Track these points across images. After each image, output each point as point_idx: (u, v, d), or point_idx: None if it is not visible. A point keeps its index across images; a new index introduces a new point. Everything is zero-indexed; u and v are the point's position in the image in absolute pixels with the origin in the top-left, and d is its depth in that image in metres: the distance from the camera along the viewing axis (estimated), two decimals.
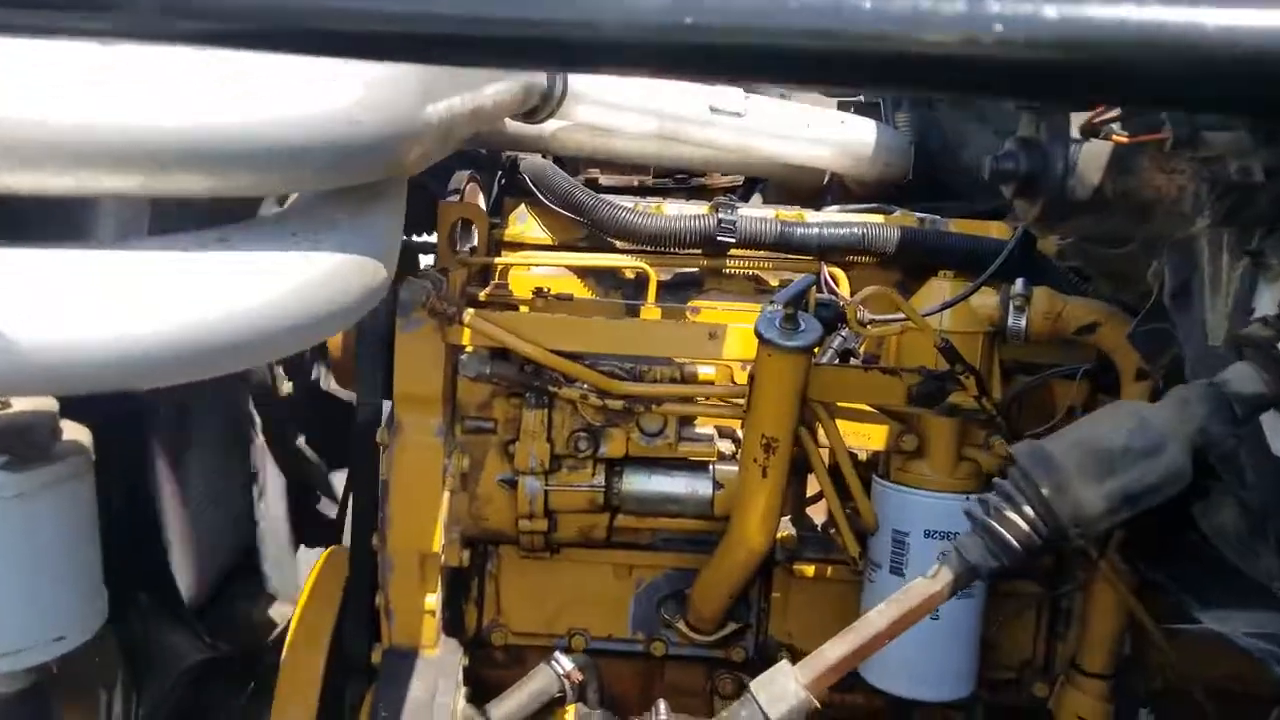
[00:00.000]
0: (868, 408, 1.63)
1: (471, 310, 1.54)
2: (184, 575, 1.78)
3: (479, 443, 1.67)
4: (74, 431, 1.31)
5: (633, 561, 1.77)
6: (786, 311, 1.38)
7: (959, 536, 1.20)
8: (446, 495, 1.64)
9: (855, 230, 1.72)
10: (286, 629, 1.88)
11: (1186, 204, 1.16)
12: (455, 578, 1.78)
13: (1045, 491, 1.17)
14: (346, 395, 2.35)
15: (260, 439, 1.96)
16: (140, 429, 1.50)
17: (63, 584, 1.24)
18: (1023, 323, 1.62)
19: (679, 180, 1.90)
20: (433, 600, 1.68)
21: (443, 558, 1.65)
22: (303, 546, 2.32)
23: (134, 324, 0.81)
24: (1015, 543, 1.18)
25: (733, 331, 1.56)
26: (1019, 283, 1.62)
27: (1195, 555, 1.67)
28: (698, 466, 1.67)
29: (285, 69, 0.83)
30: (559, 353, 1.56)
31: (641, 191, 1.85)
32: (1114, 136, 1.12)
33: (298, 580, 2.19)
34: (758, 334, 1.41)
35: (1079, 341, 1.66)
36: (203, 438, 1.80)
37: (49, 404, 1.27)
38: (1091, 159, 1.14)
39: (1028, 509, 1.18)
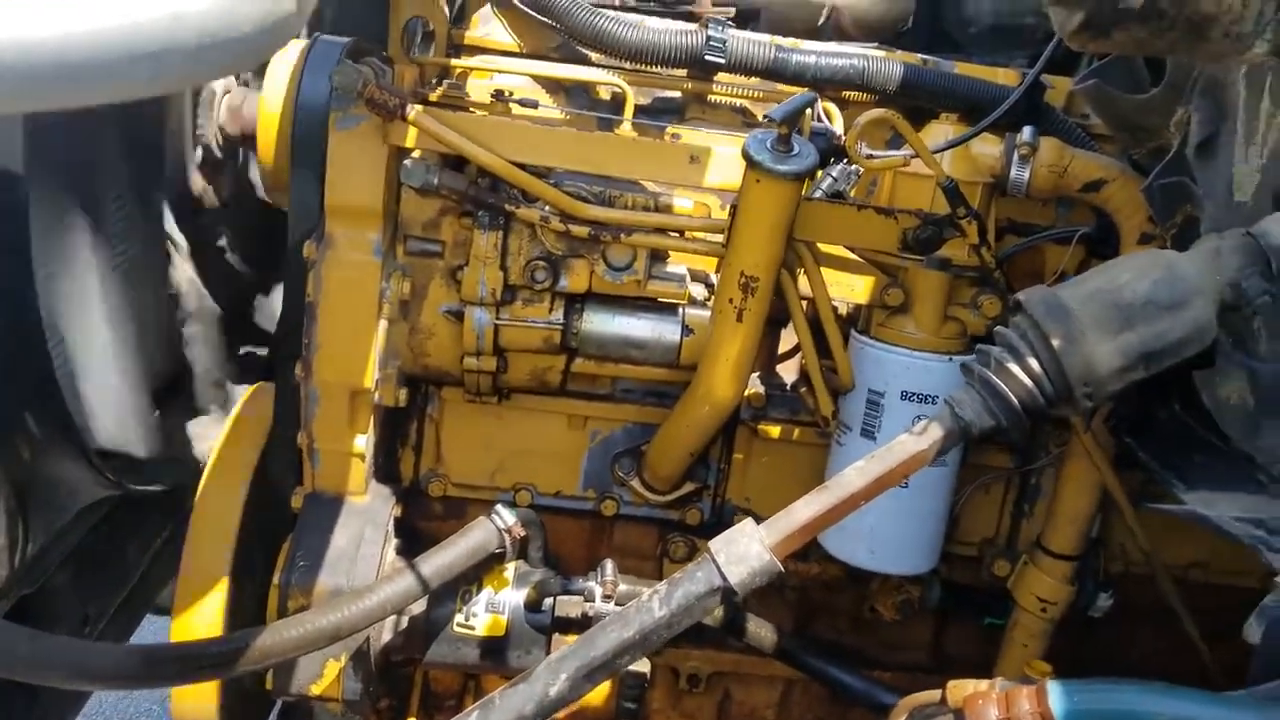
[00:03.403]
0: (852, 256, 1.49)
1: (419, 106, 1.34)
2: (88, 402, 1.59)
3: (423, 266, 1.50)
4: None
5: (588, 412, 1.63)
6: (780, 132, 1.21)
7: (954, 392, 1.08)
8: (383, 324, 1.48)
9: (856, 62, 1.54)
10: None
11: (1248, 23, 1.01)
12: (390, 419, 1.63)
13: (1056, 343, 1.04)
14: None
15: (182, 255, 1.75)
16: (18, 219, 1.29)
17: None
18: (1026, 174, 1.48)
19: (666, 2, 1.70)
20: (362, 442, 1.53)
21: (376, 395, 1.50)
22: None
23: None
24: (1016, 400, 1.06)
25: (716, 156, 1.39)
26: (1026, 131, 1.48)
27: (1177, 432, 1.59)
28: (666, 309, 1.52)
29: None
30: (519, 166, 1.38)
31: (624, 9, 1.65)
32: None
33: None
34: (746, 156, 1.25)
35: (1079, 200, 1.53)
36: (106, 240, 1.58)
37: None
38: None
39: (1033, 362, 1.06)
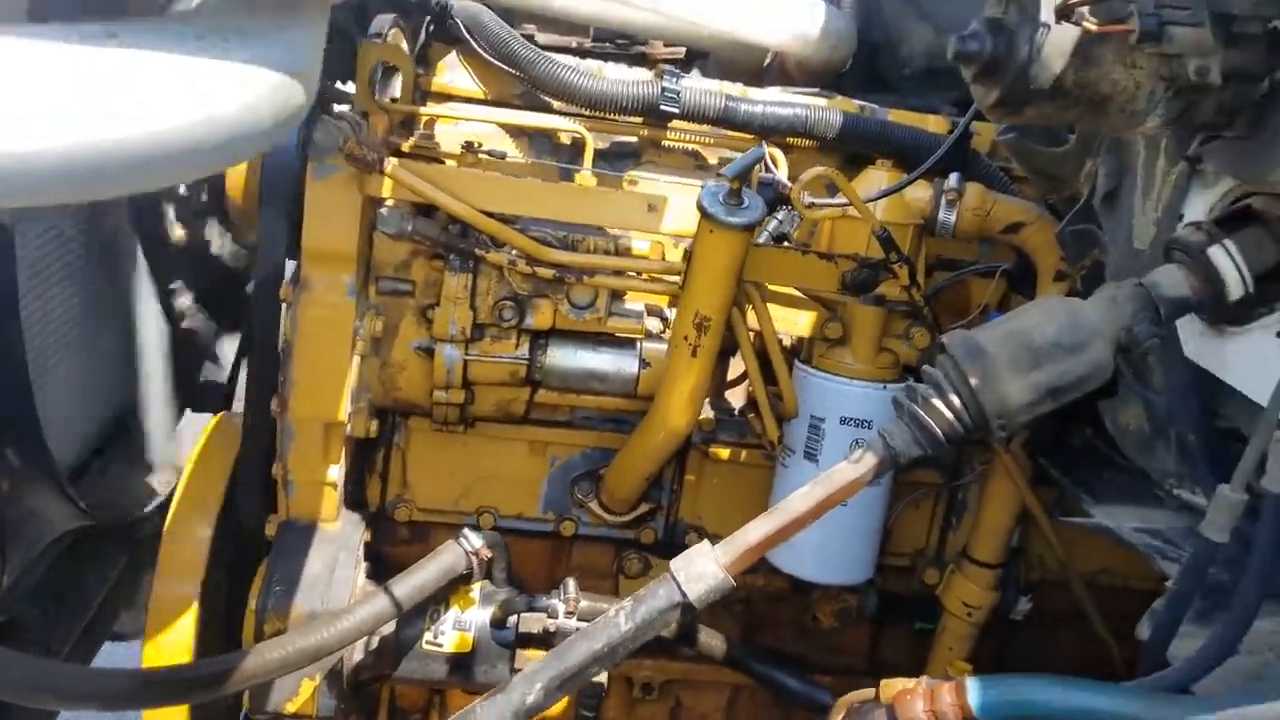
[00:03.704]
0: (797, 293, 1.62)
1: (394, 159, 1.43)
2: (54, 433, 1.64)
3: (394, 305, 1.58)
4: None
5: (549, 439, 1.73)
6: (732, 186, 1.33)
7: (885, 425, 1.21)
8: (356, 360, 1.56)
9: (799, 111, 1.67)
10: (166, 499, 1.77)
11: (1141, 101, 1.15)
12: (359, 449, 1.71)
13: (974, 382, 1.18)
14: (233, 256, 2.20)
15: (145, 290, 1.80)
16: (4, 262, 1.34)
17: None
18: (953, 218, 1.62)
19: (619, 45, 1.80)
20: (335, 473, 1.60)
21: (349, 427, 1.58)
22: (188, 412, 2.19)
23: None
24: (939, 432, 1.19)
25: (672, 204, 1.50)
26: (953, 177, 1.62)
27: (1087, 453, 1.76)
28: (625, 343, 1.63)
29: None
30: (488, 213, 1.48)
31: (579, 53, 1.75)
32: (1084, 23, 1.09)
33: (179, 448, 2.07)
34: (701, 208, 1.36)
35: (1000, 241, 1.68)
36: (75, 278, 1.63)
37: None
38: (1056, 46, 1.12)
39: (954, 399, 1.19)
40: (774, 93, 1.78)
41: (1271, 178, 1.10)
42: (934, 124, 1.80)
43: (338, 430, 1.57)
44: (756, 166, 1.46)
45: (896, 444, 1.20)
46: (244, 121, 0.79)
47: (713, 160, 1.76)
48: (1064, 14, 1.09)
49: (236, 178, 1.62)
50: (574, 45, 1.72)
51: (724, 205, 1.35)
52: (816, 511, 1.23)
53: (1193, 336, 1.27)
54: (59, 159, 0.71)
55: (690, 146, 1.74)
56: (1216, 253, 1.14)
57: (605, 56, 1.72)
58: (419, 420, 1.70)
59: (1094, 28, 1.09)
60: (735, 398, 1.80)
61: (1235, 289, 1.14)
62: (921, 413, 1.18)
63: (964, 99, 1.78)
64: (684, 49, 1.91)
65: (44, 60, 0.72)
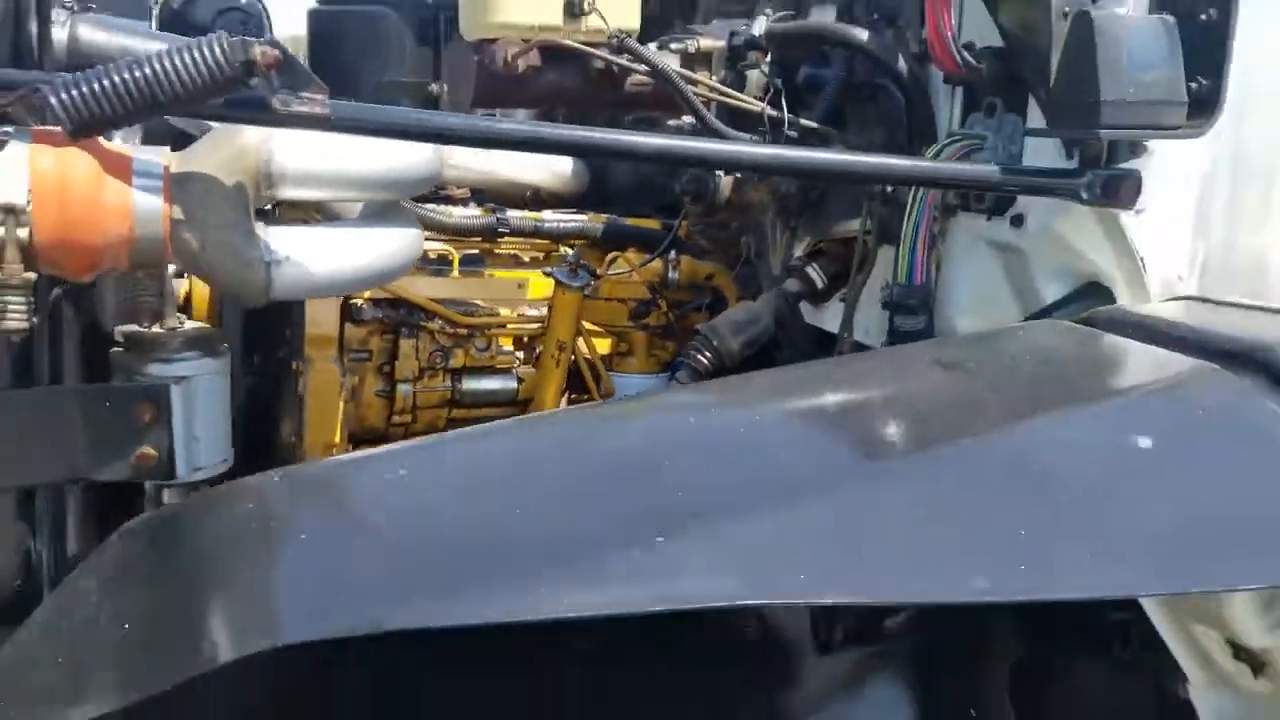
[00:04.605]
0: (598, 326, 2.74)
1: None
2: None
3: (360, 367, 2.50)
4: None
5: None
6: (574, 267, 2.44)
7: (679, 371, 2.35)
8: (341, 405, 2.45)
9: (578, 224, 2.82)
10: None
11: (767, 206, 2.43)
12: None
13: (715, 342, 2.36)
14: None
15: None
16: None
17: None
18: (675, 275, 2.84)
19: (435, 190, 2.83)
20: None
21: (342, 449, 2.45)
22: None
23: (339, 264, 1.64)
24: (703, 369, 2.35)
25: (531, 283, 2.58)
26: (672, 253, 2.84)
27: None
28: (506, 370, 2.66)
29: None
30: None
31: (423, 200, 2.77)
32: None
33: None
34: (555, 279, 2.45)
35: (704, 286, 2.92)
36: None
37: None
38: (726, 184, 2.36)
39: (707, 352, 2.37)
40: (557, 213, 2.92)
41: (830, 234, 2.40)
42: (649, 223, 3.03)
43: (336, 450, 2.43)
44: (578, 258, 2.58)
45: (683, 379, 2.34)
46: (410, 253, 1.78)
47: (526, 258, 2.84)
48: None
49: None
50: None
51: (569, 277, 2.45)
52: None
53: (807, 311, 2.55)
54: (353, 274, 1.68)
55: (512, 251, 2.82)
56: (810, 270, 2.42)
57: (425, 199, 2.75)
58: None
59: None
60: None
61: (820, 285, 2.42)
62: (692, 362, 2.34)
63: (664, 205, 3.03)
64: (469, 189, 2.99)
65: (341, 235, 1.68)
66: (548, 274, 2.52)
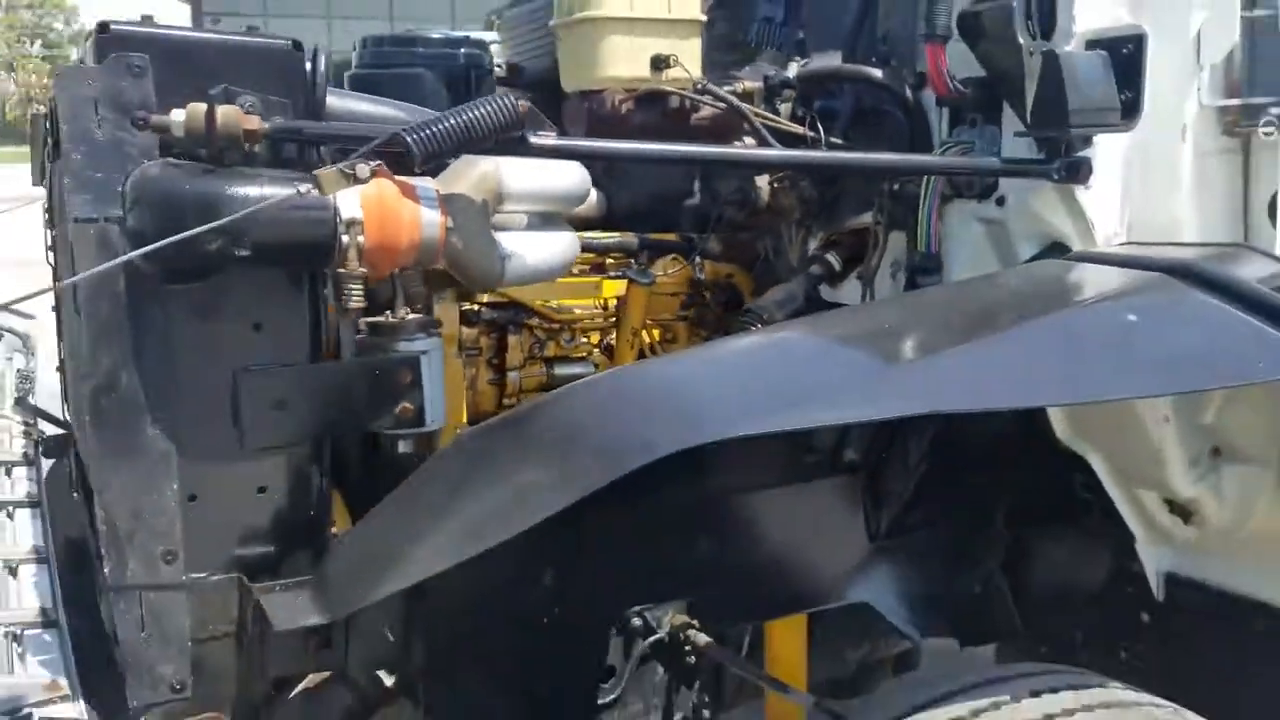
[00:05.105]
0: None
1: None
2: None
3: (474, 361, 3.03)
4: None
5: None
6: (643, 268, 3.06)
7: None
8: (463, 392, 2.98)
9: (617, 240, 3.42)
10: None
11: (795, 208, 3.10)
12: None
13: (764, 316, 3.00)
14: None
15: None
16: None
17: None
18: (702, 275, 3.48)
19: None
20: None
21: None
22: None
23: (541, 258, 2.22)
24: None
25: (606, 283, 3.19)
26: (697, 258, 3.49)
27: None
28: (584, 358, 3.24)
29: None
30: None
31: None
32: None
33: None
34: (630, 279, 3.06)
35: (724, 284, 3.57)
36: None
37: None
38: (765, 192, 3.02)
39: (759, 324, 3.00)
40: (601, 234, 3.52)
41: (843, 228, 3.07)
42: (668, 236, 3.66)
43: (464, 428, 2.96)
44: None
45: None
46: (573, 252, 2.37)
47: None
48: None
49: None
50: None
51: (640, 275, 3.07)
52: None
53: (824, 291, 3.22)
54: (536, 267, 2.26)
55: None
56: (830, 256, 3.09)
57: None
58: None
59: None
60: None
61: (837, 268, 3.09)
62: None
63: (665, 225, 3.66)
64: None
65: (527, 237, 2.26)
66: (619, 276, 3.14)
